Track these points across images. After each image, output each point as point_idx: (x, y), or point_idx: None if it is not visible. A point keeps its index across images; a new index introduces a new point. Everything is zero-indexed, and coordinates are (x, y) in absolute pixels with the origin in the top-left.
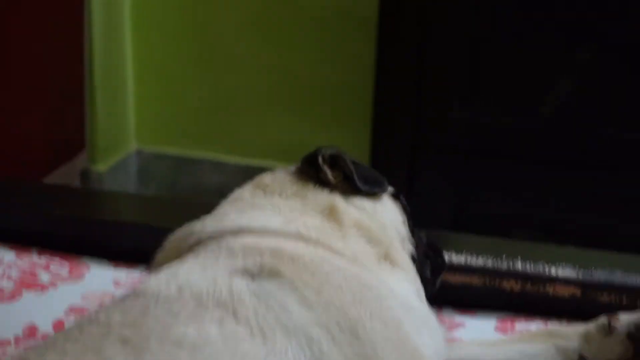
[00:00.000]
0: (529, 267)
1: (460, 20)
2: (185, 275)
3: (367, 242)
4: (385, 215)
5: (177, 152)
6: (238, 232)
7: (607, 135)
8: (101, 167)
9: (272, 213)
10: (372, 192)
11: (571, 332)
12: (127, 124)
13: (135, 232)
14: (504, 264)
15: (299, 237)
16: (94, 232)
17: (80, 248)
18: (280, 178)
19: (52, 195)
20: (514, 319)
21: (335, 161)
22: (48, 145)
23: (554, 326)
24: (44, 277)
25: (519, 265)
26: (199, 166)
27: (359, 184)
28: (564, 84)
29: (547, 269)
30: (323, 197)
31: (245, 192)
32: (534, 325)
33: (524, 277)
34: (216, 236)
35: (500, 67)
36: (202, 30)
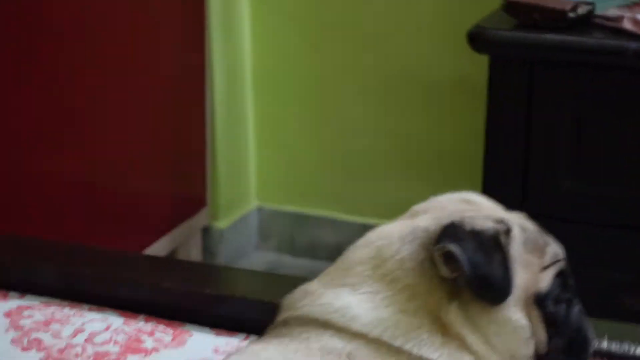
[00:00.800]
0: (615, 347)
1: (566, 89)
2: None
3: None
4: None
5: (296, 209)
6: (324, 324)
7: None
8: (222, 224)
9: (368, 304)
10: (485, 298)
11: None
12: (248, 181)
13: (238, 304)
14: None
15: (380, 342)
16: (199, 303)
17: (184, 317)
18: (401, 257)
19: (159, 266)
20: None
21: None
22: (170, 203)
23: None
24: (148, 342)
25: (605, 345)
26: (316, 224)
27: (472, 287)
28: None
29: (632, 349)
30: (434, 297)
31: (357, 262)
32: None
33: (609, 356)
34: (304, 321)
35: (606, 135)
36: (321, 92)
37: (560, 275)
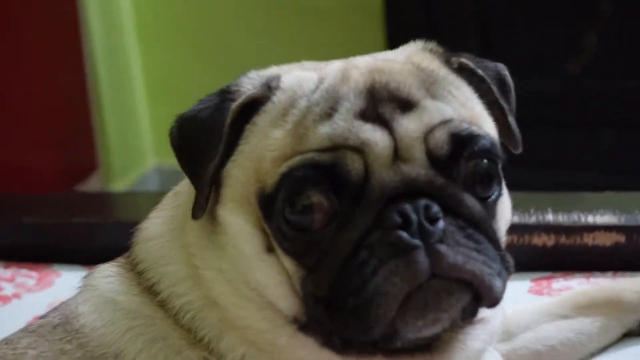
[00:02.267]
0: (562, 218)
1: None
2: None
3: None
4: None
5: None
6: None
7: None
8: (118, 187)
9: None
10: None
11: (630, 301)
12: (141, 139)
13: (113, 230)
14: (532, 218)
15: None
16: (66, 236)
17: (52, 257)
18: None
19: (21, 205)
20: (550, 278)
21: None
22: (57, 170)
23: (599, 281)
24: (8, 289)
25: (549, 217)
26: None
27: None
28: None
29: (583, 218)
30: None
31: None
32: (575, 282)
33: (557, 229)
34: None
35: (509, 35)
36: (211, 32)
37: (319, 174)
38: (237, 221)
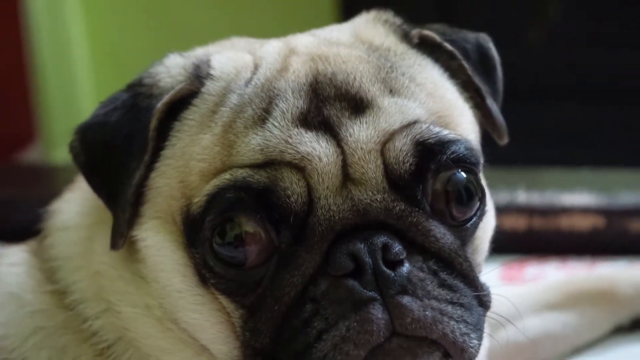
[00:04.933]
0: (536, 198)
1: None
2: None
3: None
4: None
5: None
6: None
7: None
8: (60, 155)
9: None
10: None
11: (625, 294)
12: (84, 107)
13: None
14: (502, 197)
15: None
16: None
17: None
18: None
19: None
20: (523, 262)
21: None
22: None
23: (575, 266)
24: None
25: (522, 197)
26: None
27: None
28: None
29: (559, 198)
30: None
31: None
32: (550, 268)
33: (530, 210)
34: None
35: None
36: (162, 4)
37: (251, 191)
38: (163, 244)
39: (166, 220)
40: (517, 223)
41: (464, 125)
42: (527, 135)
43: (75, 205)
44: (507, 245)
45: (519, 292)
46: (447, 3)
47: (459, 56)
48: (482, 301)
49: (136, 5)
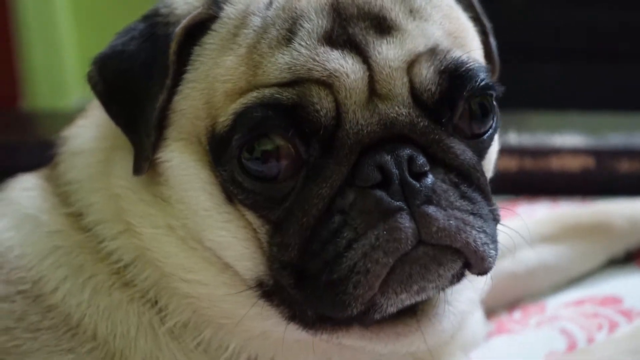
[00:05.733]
0: (527, 140)
1: None
2: None
3: None
4: None
5: None
6: None
7: None
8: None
9: None
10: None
11: (619, 228)
12: (66, 75)
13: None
14: None
15: None
16: None
17: None
18: None
19: None
20: (515, 202)
21: None
22: None
23: (566, 206)
24: None
25: (513, 139)
26: None
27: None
28: None
29: (549, 140)
30: None
31: None
32: (540, 207)
33: (521, 152)
34: None
35: None
36: None
37: (282, 113)
38: (189, 164)
39: (191, 141)
40: (509, 164)
41: (476, 49)
42: (520, 89)
43: (90, 131)
44: (499, 186)
45: (514, 225)
46: None
47: None
48: (495, 215)
49: None
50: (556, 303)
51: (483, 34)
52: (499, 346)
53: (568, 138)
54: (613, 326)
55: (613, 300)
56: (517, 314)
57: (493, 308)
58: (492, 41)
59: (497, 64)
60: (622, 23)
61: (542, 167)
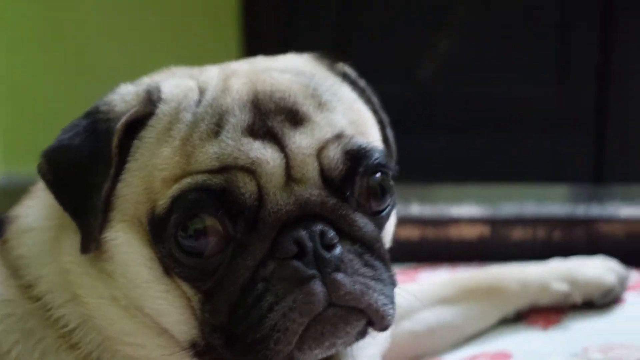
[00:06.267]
0: (428, 211)
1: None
2: None
3: None
4: None
5: None
6: None
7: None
8: None
9: None
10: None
11: (511, 290)
12: None
13: None
14: (398, 210)
15: None
16: None
17: None
18: None
19: None
20: (417, 269)
21: None
22: None
23: (464, 272)
24: None
25: (415, 210)
26: None
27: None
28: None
29: (448, 210)
30: None
31: None
32: (440, 274)
33: (422, 222)
34: None
35: (365, 41)
36: (58, 33)
37: (210, 198)
38: (131, 242)
39: (133, 222)
40: (412, 233)
41: (375, 135)
42: (421, 162)
43: (38, 210)
44: (402, 254)
45: (416, 289)
46: (344, 40)
47: (369, 91)
48: (393, 280)
49: (35, 40)
50: (452, 359)
51: (381, 124)
52: None
53: (465, 208)
54: None
55: (503, 356)
56: None
57: None
58: (389, 131)
59: (394, 151)
60: (512, 97)
61: (442, 236)
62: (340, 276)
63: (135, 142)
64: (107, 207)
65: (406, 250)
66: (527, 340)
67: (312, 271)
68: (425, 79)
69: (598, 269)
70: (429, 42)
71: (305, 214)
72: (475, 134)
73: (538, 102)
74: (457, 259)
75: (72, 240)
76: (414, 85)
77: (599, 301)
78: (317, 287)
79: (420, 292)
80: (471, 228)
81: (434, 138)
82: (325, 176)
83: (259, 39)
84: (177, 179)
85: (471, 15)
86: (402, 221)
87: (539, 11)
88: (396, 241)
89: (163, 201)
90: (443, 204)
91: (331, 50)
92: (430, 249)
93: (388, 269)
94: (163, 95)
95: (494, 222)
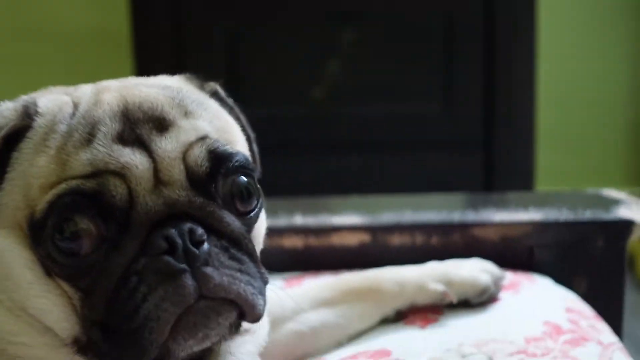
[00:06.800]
0: (311, 221)
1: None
2: None
3: None
4: None
5: None
6: None
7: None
8: None
9: None
10: None
11: (389, 291)
12: None
13: None
14: (281, 221)
15: None
16: None
17: None
18: None
19: None
20: (302, 277)
21: None
22: None
23: (348, 275)
24: None
25: (298, 220)
26: None
27: None
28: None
29: (330, 220)
30: None
31: None
32: (324, 280)
33: (305, 231)
34: None
35: (256, 63)
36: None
37: (84, 202)
38: (13, 247)
39: (14, 228)
40: (296, 243)
41: (242, 146)
42: (313, 178)
43: None
44: (287, 263)
45: (298, 292)
46: (237, 65)
47: (237, 109)
48: (263, 276)
49: None
50: (333, 358)
51: (248, 140)
52: None
53: (347, 217)
54: None
55: (383, 353)
56: None
57: None
58: (255, 147)
59: (259, 165)
60: (401, 117)
61: (324, 244)
62: (209, 270)
63: (15, 153)
64: None
65: (291, 259)
66: (406, 338)
67: (182, 265)
68: (316, 101)
69: (473, 270)
70: (320, 66)
71: (175, 214)
72: (364, 152)
73: (426, 122)
74: (340, 265)
75: None
76: (307, 106)
77: (475, 300)
78: (188, 280)
79: (303, 295)
80: (352, 235)
81: (326, 155)
82: (191, 177)
83: (152, 65)
84: (53, 185)
85: (359, 40)
86: (286, 231)
87: (426, 35)
88: (281, 251)
89: (40, 206)
90: (325, 214)
91: (224, 74)
92: (314, 257)
93: (257, 266)
94: (39, 110)
95: (373, 229)
